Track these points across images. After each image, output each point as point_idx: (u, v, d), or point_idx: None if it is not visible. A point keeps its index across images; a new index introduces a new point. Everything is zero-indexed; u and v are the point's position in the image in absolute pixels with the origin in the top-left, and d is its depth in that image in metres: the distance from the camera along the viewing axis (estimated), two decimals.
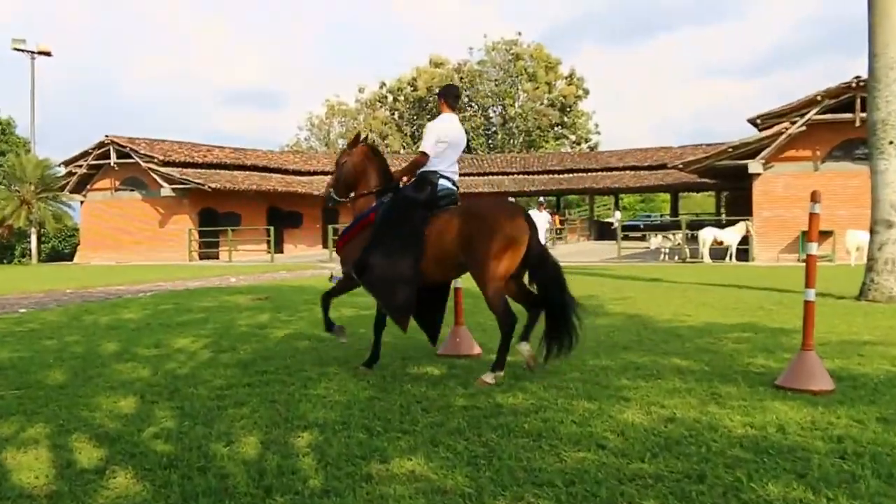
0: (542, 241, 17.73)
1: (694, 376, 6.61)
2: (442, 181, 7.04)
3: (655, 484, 3.99)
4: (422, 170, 7.08)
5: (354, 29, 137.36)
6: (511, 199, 19.03)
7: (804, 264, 6.66)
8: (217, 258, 39.23)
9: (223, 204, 40.75)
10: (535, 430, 5.02)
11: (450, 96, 7.32)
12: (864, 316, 11.09)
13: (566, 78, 76.19)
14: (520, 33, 78.00)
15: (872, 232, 13.81)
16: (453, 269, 6.99)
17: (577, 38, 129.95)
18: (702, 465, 4.24)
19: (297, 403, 5.87)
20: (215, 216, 40.52)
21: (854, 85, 25.66)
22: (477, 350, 8.05)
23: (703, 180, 39.44)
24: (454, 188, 7.16)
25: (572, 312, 6.73)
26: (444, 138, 7.05)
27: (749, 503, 3.72)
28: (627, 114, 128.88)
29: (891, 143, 13.42)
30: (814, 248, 6.43)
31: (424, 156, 7.01)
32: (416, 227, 6.76)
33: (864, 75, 14.69)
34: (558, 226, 45.01)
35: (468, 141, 65.72)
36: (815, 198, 6.41)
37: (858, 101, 25.30)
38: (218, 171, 41.84)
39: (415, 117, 76.34)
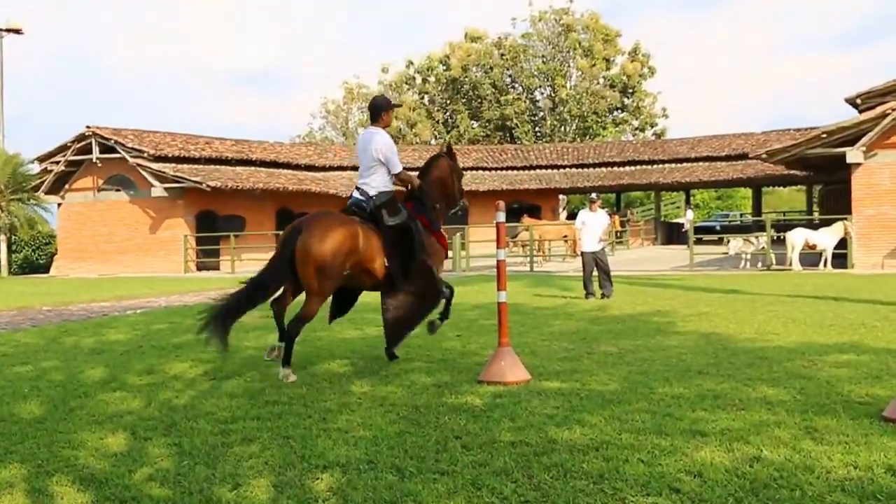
0: (599, 247, 17.80)
1: (784, 407, 6.56)
2: (353, 193, 9.14)
3: None
4: None
5: None
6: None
7: None
8: (217, 269, 39.50)
9: (224, 205, 41.05)
10: (595, 470, 5.01)
11: (369, 109, 9.44)
12: None
13: (628, 53, 75.53)
14: (571, 0, 77.52)
15: None
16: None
17: (639, 5, 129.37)
18: None
19: (314, 439, 5.91)
20: (215, 220, 40.79)
21: None
22: (525, 375, 8.03)
23: (792, 172, 39.10)
24: (359, 198, 9.01)
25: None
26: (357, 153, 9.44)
27: None
28: (701, 95, 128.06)
29: None
30: None
31: None
32: None
33: None
34: (618, 228, 44.60)
35: (512, 129, 65.96)
36: None
37: None
38: (218, 167, 42.15)
39: (447, 101, 76.43)
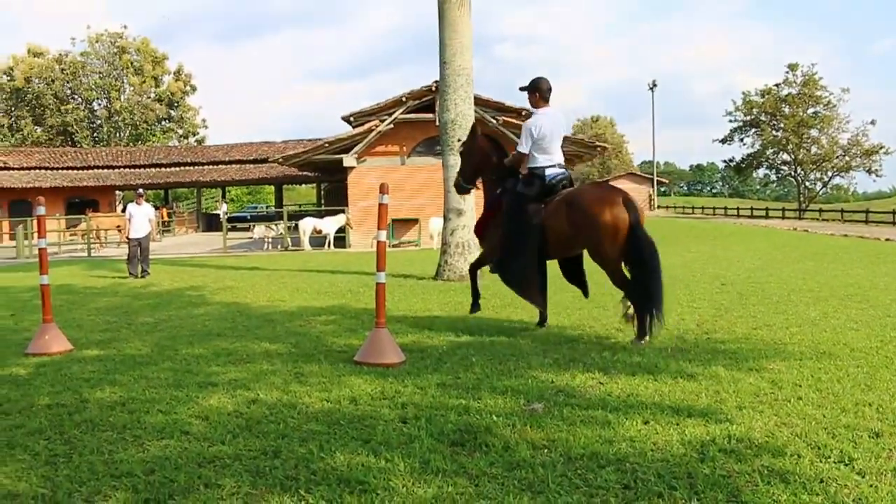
0: (143, 234, 17.09)
1: (281, 358, 6.73)
2: (549, 171, 7.50)
3: (233, 463, 4.02)
4: (529, 166, 7.58)
5: None
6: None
7: (393, 249, 7.05)
8: None
9: None
10: (120, 422, 4.83)
11: (540, 90, 7.57)
12: (438, 293, 11.95)
13: (174, 73, 74.38)
14: (125, 27, 74.48)
15: (446, 219, 14.88)
16: (571, 248, 7.52)
17: (186, 35, 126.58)
18: (278, 442, 4.34)
19: None
20: None
21: (434, 88, 27.18)
22: (68, 346, 7.52)
23: (304, 173, 40.25)
24: (564, 171, 7.63)
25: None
26: (538, 134, 7.42)
27: (318, 472, 3.87)
28: (236, 110, 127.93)
29: (458, 140, 14.51)
30: (383, 235, 6.89)
31: (522, 155, 7.55)
32: (532, 219, 7.34)
33: None
34: (165, 218, 43.85)
35: (72, 134, 61.44)
36: (382, 190, 6.88)
37: (437, 102, 27.04)
38: None
39: (12, 108, 69.72)
